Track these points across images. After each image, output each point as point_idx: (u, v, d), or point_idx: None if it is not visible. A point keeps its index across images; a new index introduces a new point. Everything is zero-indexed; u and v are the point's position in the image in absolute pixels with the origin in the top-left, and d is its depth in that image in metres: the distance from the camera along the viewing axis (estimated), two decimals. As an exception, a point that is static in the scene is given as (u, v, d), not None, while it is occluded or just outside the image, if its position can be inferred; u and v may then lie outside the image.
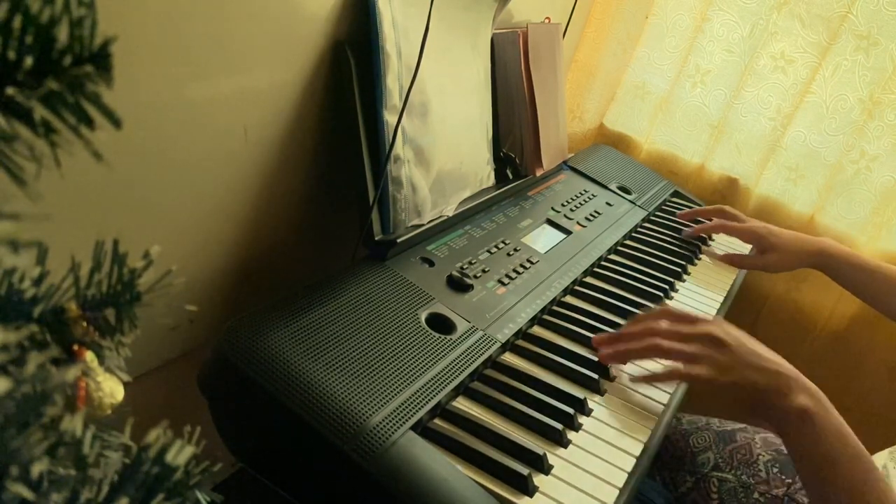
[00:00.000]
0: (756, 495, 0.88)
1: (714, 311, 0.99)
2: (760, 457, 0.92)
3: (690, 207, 1.28)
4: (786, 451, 0.93)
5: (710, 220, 1.18)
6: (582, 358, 0.77)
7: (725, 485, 0.90)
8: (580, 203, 1.12)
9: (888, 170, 1.24)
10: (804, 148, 1.30)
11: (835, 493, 0.64)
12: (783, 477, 0.89)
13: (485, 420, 0.64)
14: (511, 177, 1.02)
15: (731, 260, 1.14)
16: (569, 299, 0.90)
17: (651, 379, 0.75)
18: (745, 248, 1.21)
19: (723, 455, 0.93)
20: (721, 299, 1.03)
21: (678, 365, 0.72)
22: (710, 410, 1.10)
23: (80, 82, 0.23)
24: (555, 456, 0.63)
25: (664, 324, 0.75)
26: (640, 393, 0.76)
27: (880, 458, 0.84)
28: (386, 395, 0.60)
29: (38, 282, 0.29)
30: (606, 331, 0.83)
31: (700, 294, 1.03)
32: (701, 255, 1.15)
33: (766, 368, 0.70)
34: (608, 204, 1.16)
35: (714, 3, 1.30)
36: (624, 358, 0.76)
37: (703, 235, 1.18)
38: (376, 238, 0.75)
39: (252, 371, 0.58)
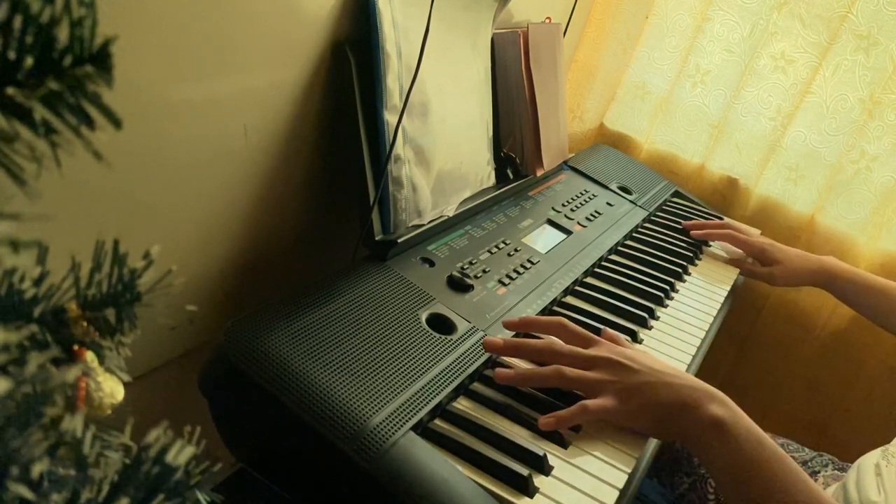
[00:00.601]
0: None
1: (715, 311, 0.99)
2: None
3: (691, 207, 1.28)
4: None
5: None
6: (582, 358, 0.77)
7: (724, 485, 0.90)
8: (581, 203, 1.12)
9: (888, 170, 1.24)
10: (804, 148, 1.30)
11: (761, 498, 0.61)
12: None
13: (485, 421, 0.64)
14: (511, 177, 1.02)
15: (740, 266, 1.14)
16: (569, 300, 0.90)
17: (561, 422, 0.66)
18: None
19: None
20: (721, 299, 1.03)
21: (585, 401, 0.66)
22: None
23: (81, 82, 0.23)
24: (555, 457, 0.63)
25: (564, 348, 0.70)
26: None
27: (872, 457, 0.84)
28: (386, 396, 0.60)
29: (38, 282, 0.28)
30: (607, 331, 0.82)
31: (701, 294, 1.03)
32: (702, 256, 1.15)
33: (671, 384, 0.66)
34: (608, 204, 1.16)
35: (714, 3, 1.30)
36: (525, 383, 0.70)
37: (707, 240, 1.19)
38: (377, 238, 0.75)
39: (252, 371, 0.58)
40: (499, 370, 0.69)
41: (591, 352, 0.69)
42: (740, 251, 1.16)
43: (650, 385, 0.66)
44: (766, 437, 0.63)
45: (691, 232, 1.17)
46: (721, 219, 1.25)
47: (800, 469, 0.62)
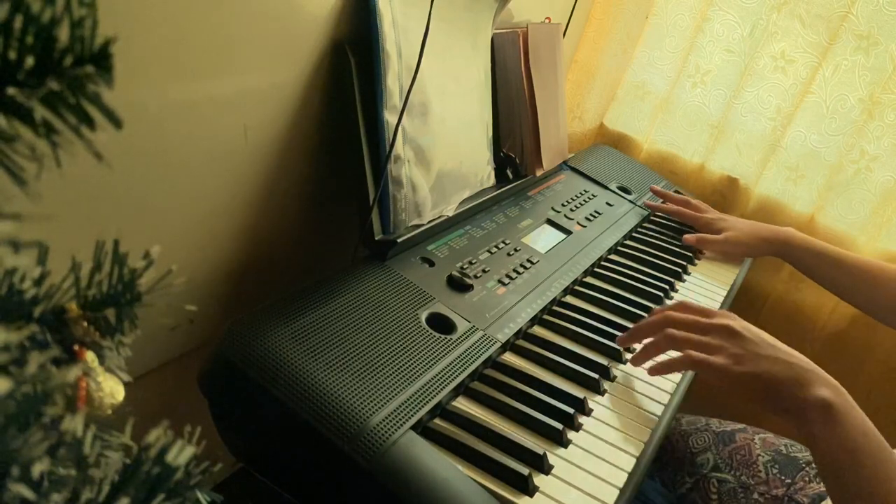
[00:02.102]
0: (756, 496, 0.88)
1: (714, 311, 0.99)
2: (760, 457, 0.92)
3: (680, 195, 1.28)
4: (785, 452, 0.93)
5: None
6: (582, 358, 0.77)
7: (725, 485, 0.90)
8: (580, 203, 1.12)
9: (888, 170, 1.24)
10: (804, 148, 1.30)
11: (856, 491, 0.61)
12: (783, 477, 0.89)
13: (485, 420, 0.64)
14: (511, 177, 1.02)
15: (697, 241, 1.14)
16: (569, 299, 0.90)
17: (663, 368, 0.74)
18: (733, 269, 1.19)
19: (722, 456, 0.93)
20: (721, 299, 1.03)
21: (692, 352, 0.71)
22: (710, 411, 1.10)
23: (81, 82, 0.23)
24: (555, 456, 0.63)
25: (679, 315, 0.75)
26: (640, 393, 0.76)
27: None
28: (386, 395, 0.60)
29: (38, 282, 0.29)
30: (607, 331, 0.83)
31: (700, 294, 1.03)
32: (702, 256, 1.15)
33: (785, 360, 0.68)
34: (608, 204, 1.16)
35: (714, 3, 1.30)
36: (646, 356, 0.76)
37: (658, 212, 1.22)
38: (376, 238, 0.75)
39: (252, 371, 0.58)
40: (619, 337, 0.79)
41: (708, 320, 0.73)
42: (693, 238, 1.15)
43: (764, 356, 0.68)
44: (874, 430, 0.64)
45: (646, 202, 1.21)
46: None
47: None
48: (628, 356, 0.81)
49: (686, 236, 1.15)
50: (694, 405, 1.09)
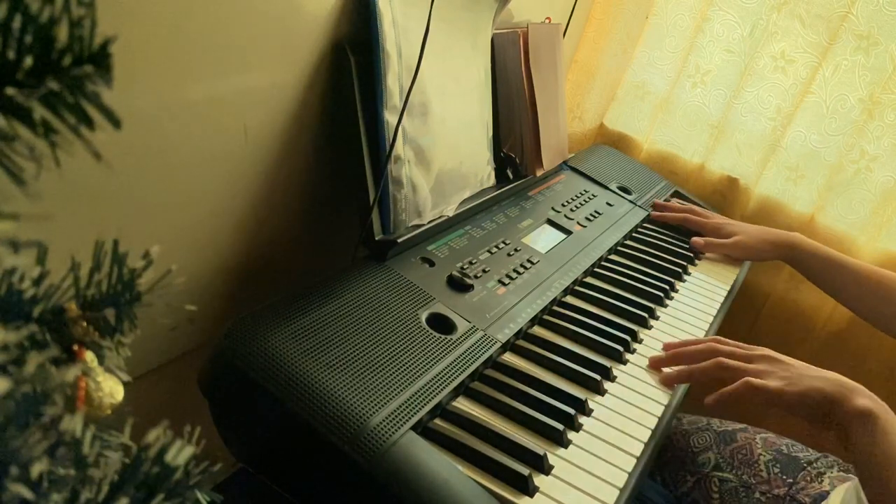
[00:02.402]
0: (757, 495, 0.88)
1: (715, 311, 0.99)
2: (761, 457, 0.92)
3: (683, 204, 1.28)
4: (786, 452, 0.93)
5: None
6: (583, 358, 0.77)
7: (726, 485, 0.90)
8: (580, 203, 1.12)
9: (888, 170, 1.24)
10: (804, 148, 1.30)
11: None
12: (784, 477, 0.89)
13: (485, 420, 0.64)
14: (511, 177, 1.02)
15: (705, 245, 1.14)
16: (569, 299, 0.90)
17: (724, 397, 0.76)
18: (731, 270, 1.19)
19: (723, 455, 0.93)
20: (721, 299, 1.03)
21: (750, 378, 0.74)
22: (712, 411, 1.10)
23: (80, 82, 0.23)
24: (555, 456, 0.63)
25: (723, 347, 0.79)
26: (640, 393, 0.76)
27: None
28: (386, 395, 0.60)
29: (38, 282, 0.28)
30: (607, 331, 0.83)
31: (701, 294, 1.03)
32: (702, 256, 1.15)
33: (828, 378, 0.73)
34: (608, 204, 1.16)
35: (714, 3, 1.30)
36: (688, 378, 0.78)
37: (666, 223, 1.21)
38: (376, 238, 0.75)
39: (252, 371, 0.58)
40: (654, 358, 0.81)
41: (748, 352, 0.78)
42: (698, 242, 1.16)
43: (808, 376, 0.74)
44: None
45: (652, 215, 1.20)
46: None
47: None
48: (629, 357, 0.81)
49: (694, 240, 1.15)
50: (694, 405, 1.09)
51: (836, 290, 1.08)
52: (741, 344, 0.80)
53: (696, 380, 0.78)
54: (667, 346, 0.84)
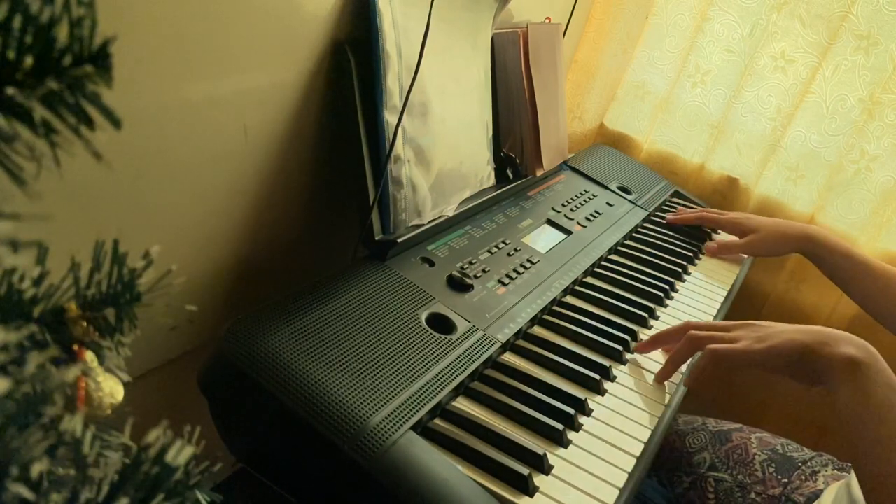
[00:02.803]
0: (752, 495, 0.88)
1: (715, 311, 0.99)
2: (756, 456, 0.92)
3: (691, 208, 1.29)
4: (781, 451, 0.93)
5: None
6: (582, 358, 0.77)
7: (722, 485, 0.90)
8: (580, 203, 1.12)
9: (888, 170, 1.24)
10: (804, 148, 1.30)
11: (882, 445, 0.59)
12: (779, 477, 0.89)
13: (485, 420, 0.64)
14: (511, 177, 1.02)
15: (718, 249, 1.14)
16: (569, 299, 0.90)
17: (695, 373, 0.74)
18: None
19: (719, 455, 0.93)
20: (721, 299, 1.03)
21: (713, 345, 0.72)
22: (707, 411, 1.10)
23: (80, 82, 0.23)
24: (555, 456, 0.63)
25: (700, 322, 0.78)
26: (640, 393, 0.76)
27: None
28: (386, 395, 0.60)
29: (38, 282, 0.28)
30: (607, 331, 0.83)
31: (701, 294, 1.03)
32: (702, 256, 1.15)
33: (808, 329, 0.69)
34: (608, 204, 1.16)
35: (714, 3, 1.30)
36: (672, 366, 0.77)
37: (708, 229, 1.21)
38: (376, 238, 0.75)
39: (252, 371, 0.58)
40: (638, 345, 0.80)
41: (726, 324, 0.75)
42: (715, 246, 1.15)
43: (784, 331, 0.70)
44: None
45: (668, 219, 1.20)
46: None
47: None
48: (629, 356, 0.81)
49: (707, 245, 1.15)
50: (691, 405, 1.09)
51: (856, 290, 1.03)
52: (721, 322, 0.78)
53: (678, 364, 0.77)
54: (640, 349, 0.82)
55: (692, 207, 1.28)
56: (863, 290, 1.02)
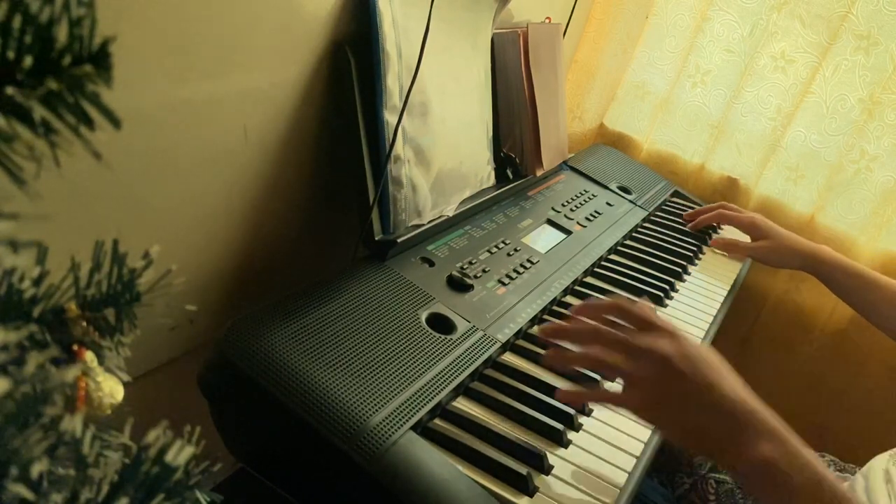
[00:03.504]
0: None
1: (715, 311, 0.99)
2: None
3: (690, 207, 1.29)
4: None
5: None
6: (582, 358, 0.77)
7: (723, 486, 0.90)
8: (580, 203, 1.12)
9: (888, 170, 1.24)
10: (804, 148, 1.30)
11: None
12: None
13: (485, 420, 0.64)
14: (511, 177, 1.02)
15: (724, 245, 1.15)
16: (569, 299, 0.90)
17: (582, 397, 0.67)
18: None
19: None
20: (721, 299, 1.03)
21: (607, 390, 0.66)
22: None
23: (80, 82, 0.23)
24: (555, 456, 0.63)
25: (608, 333, 0.62)
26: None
27: (881, 462, 0.83)
28: (386, 395, 0.60)
29: (37, 282, 0.28)
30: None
31: (701, 293, 1.03)
32: (702, 256, 1.15)
33: (718, 410, 0.56)
34: (608, 204, 1.16)
35: (714, 3, 1.30)
36: (564, 365, 0.68)
37: (710, 225, 1.21)
38: (376, 238, 0.75)
39: (252, 371, 0.58)
40: (548, 351, 0.65)
41: (641, 341, 0.60)
42: (722, 243, 1.16)
43: (693, 405, 0.57)
44: (827, 476, 0.54)
45: (685, 219, 1.20)
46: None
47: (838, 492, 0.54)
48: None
49: (716, 238, 1.15)
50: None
51: (867, 308, 1.04)
52: (644, 318, 0.63)
53: (570, 367, 0.69)
54: (573, 311, 0.66)
55: (692, 207, 1.28)
56: (869, 303, 1.02)
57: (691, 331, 0.92)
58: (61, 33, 0.22)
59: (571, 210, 1.08)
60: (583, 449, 0.65)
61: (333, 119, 0.77)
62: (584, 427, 0.68)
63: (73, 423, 0.26)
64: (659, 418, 0.59)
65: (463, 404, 0.66)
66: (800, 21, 1.24)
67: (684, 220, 1.22)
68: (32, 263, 0.28)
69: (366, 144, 0.74)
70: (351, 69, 0.73)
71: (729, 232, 1.24)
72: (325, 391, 0.57)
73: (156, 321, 0.32)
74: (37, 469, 0.24)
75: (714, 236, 1.20)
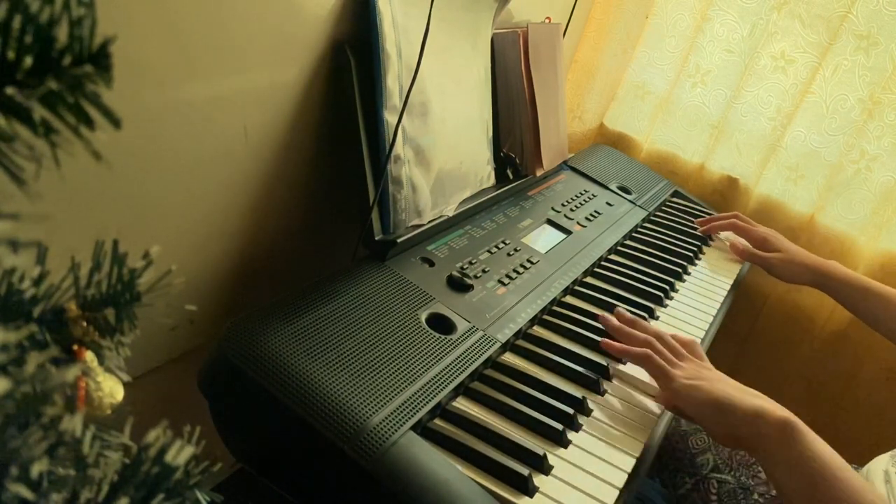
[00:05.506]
0: (755, 496, 0.88)
1: (715, 311, 0.99)
2: None
3: (690, 207, 1.29)
4: None
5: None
6: (582, 358, 0.77)
7: (725, 486, 0.90)
8: (580, 203, 1.12)
9: (888, 170, 1.24)
10: (804, 148, 1.30)
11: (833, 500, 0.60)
12: None
13: (485, 420, 0.64)
14: (511, 177, 1.02)
15: (740, 251, 1.15)
16: (569, 299, 0.90)
17: (620, 352, 0.77)
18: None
19: (722, 456, 0.93)
20: (721, 299, 1.03)
21: (651, 354, 0.74)
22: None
23: (80, 82, 0.23)
24: (555, 456, 0.63)
25: (659, 346, 0.76)
26: (640, 393, 0.76)
27: (881, 463, 0.84)
28: (386, 395, 0.60)
29: (37, 282, 0.28)
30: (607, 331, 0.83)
31: (701, 294, 1.03)
32: (702, 256, 1.15)
33: (743, 389, 0.70)
34: (608, 204, 1.16)
35: (714, 3, 1.30)
36: (619, 353, 0.77)
37: (710, 234, 1.21)
38: (376, 238, 0.75)
39: (252, 371, 0.58)
40: (606, 340, 0.79)
41: (679, 360, 0.75)
42: (736, 247, 1.17)
43: (722, 381, 0.70)
44: (836, 455, 0.64)
45: (697, 224, 1.21)
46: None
47: (873, 487, 0.62)
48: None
49: (732, 243, 1.17)
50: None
51: (877, 321, 1.05)
52: (678, 349, 0.77)
53: (623, 356, 0.78)
54: (603, 320, 0.82)
55: (692, 207, 1.28)
56: (880, 317, 1.04)
57: (691, 331, 0.92)
58: (61, 33, 0.22)
59: (571, 210, 1.08)
60: (583, 449, 0.65)
61: (333, 119, 0.77)
62: (584, 427, 0.68)
63: (73, 423, 0.26)
64: (687, 387, 0.70)
65: (463, 404, 0.66)
66: (800, 21, 1.24)
67: (696, 224, 1.23)
68: (32, 263, 0.28)
69: (366, 144, 0.74)
70: (351, 69, 0.73)
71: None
72: (325, 391, 0.57)
73: (156, 321, 0.32)
74: (37, 469, 0.24)
75: (730, 241, 1.20)
